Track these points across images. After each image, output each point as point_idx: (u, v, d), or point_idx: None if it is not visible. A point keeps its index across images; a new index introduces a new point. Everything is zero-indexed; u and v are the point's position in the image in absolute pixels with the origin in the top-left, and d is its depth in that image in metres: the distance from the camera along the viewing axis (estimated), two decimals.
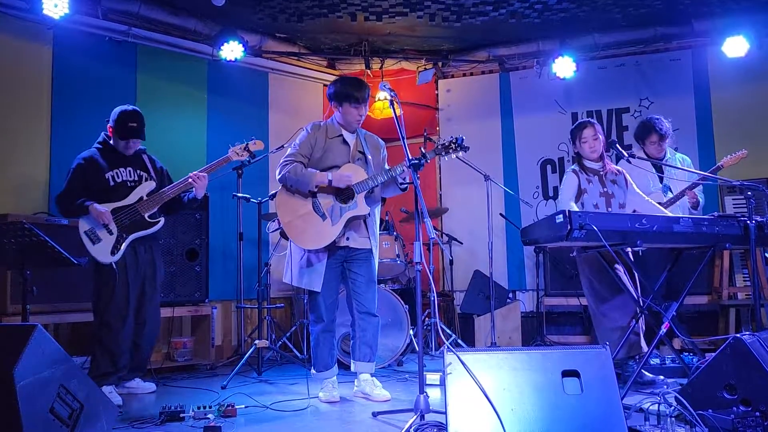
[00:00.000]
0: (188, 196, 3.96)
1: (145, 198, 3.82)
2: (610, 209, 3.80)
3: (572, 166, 3.97)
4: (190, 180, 3.83)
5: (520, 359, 2.52)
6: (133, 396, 3.87)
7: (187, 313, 5.05)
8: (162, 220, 3.87)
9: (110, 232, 3.69)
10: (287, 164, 3.55)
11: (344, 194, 3.53)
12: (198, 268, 5.00)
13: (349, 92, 3.60)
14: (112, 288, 3.71)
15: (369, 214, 3.61)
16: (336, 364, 3.74)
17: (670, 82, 6.04)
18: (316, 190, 3.51)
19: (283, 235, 5.18)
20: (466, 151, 3.47)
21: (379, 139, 3.85)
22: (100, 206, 3.67)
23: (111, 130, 3.88)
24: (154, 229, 3.82)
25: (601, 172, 3.89)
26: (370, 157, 3.68)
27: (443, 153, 3.45)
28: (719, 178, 4.14)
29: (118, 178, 3.83)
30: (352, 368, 3.71)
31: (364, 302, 3.64)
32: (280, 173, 3.56)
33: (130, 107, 3.90)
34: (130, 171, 3.88)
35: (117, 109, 3.88)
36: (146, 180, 3.91)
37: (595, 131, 3.89)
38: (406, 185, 3.55)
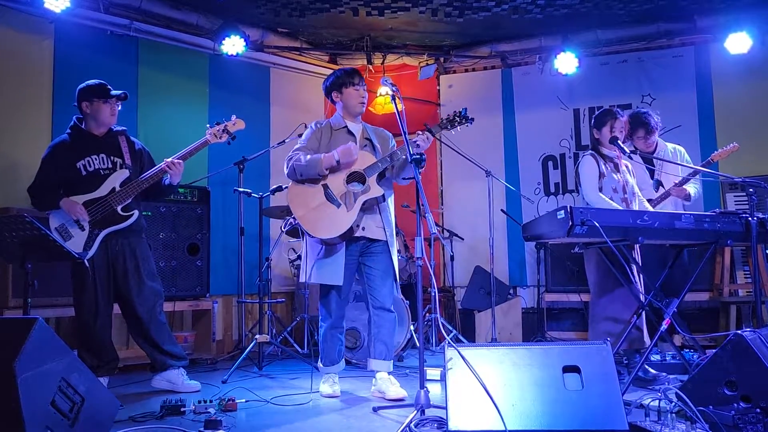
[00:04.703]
0: (165, 182, 3.77)
1: (117, 188, 3.65)
2: (625, 195, 3.83)
3: (589, 151, 3.97)
4: (164, 167, 3.68)
5: (521, 355, 2.52)
6: (138, 391, 3.86)
7: (188, 308, 5.06)
8: (136, 212, 3.70)
9: (81, 228, 3.57)
10: (293, 157, 3.52)
11: (356, 179, 3.48)
12: (199, 262, 5.00)
13: (345, 78, 3.65)
14: (82, 285, 3.63)
15: (384, 197, 3.52)
16: (342, 360, 3.73)
17: (673, 79, 6.03)
18: (327, 173, 3.45)
19: (292, 234, 5.21)
20: (471, 123, 3.48)
21: (387, 132, 3.82)
22: (72, 199, 3.56)
23: (86, 106, 3.68)
24: (128, 223, 3.67)
25: (616, 160, 3.92)
26: (378, 145, 3.65)
27: (448, 127, 3.46)
28: (720, 174, 4.14)
29: (90, 167, 3.66)
30: (369, 366, 3.64)
31: (379, 297, 3.58)
32: (287, 167, 3.52)
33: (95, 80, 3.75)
34: (103, 158, 3.70)
35: (83, 84, 3.70)
36: (120, 167, 3.73)
37: (624, 124, 3.94)
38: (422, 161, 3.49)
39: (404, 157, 3.41)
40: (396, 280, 3.65)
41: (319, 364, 3.71)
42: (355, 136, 3.63)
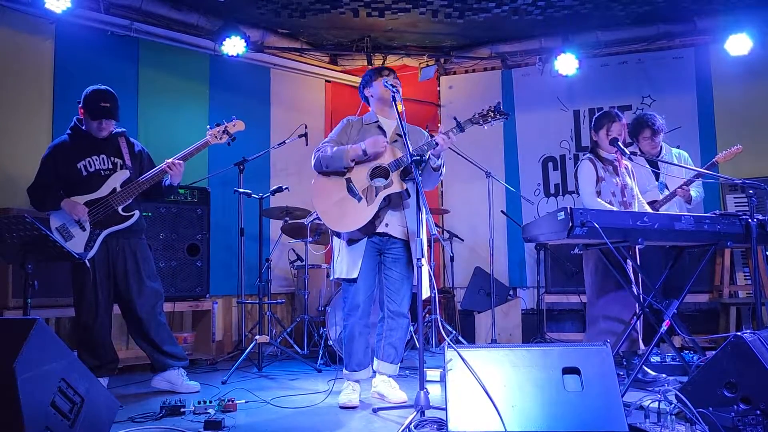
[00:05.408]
0: (165, 182, 3.78)
1: (118, 189, 3.66)
2: (624, 198, 3.82)
3: (587, 155, 3.95)
4: (165, 167, 3.68)
5: (521, 356, 2.52)
6: (138, 391, 3.86)
7: (188, 308, 5.05)
8: (137, 213, 3.71)
9: (83, 228, 3.57)
10: (320, 149, 3.47)
11: (379, 175, 3.41)
12: (199, 263, 5.00)
13: (374, 72, 3.61)
14: (82, 286, 3.62)
15: (408, 193, 3.42)
16: (370, 365, 3.52)
17: (673, 80, 6.03)
18: (352, 164, 3.37)
19: (292, 235, 5.20)
20: (506, 118, 3.38)
21: (422, 130, 3.73)
22: (74, 199, 3.56)
23: (82, 111, 3.69)
24: (129, 223, 3.67)
25: (615, 163, 3.91)
26: (409, 141, 3.48)
27: (480, 122, 3.36)
28: (720, 175, 4.14)
29: (91, 167, 3.67)
30: (375, 367, 3.56)
31: (397, 301, 3.47)
32: (314, 158, 3.47)
33: (103, 87, 3.71)
34: (103, 158, 3.71)
35: (88, 89, 3.70)
36: (121, 168, 3.73)
37: (623, 126, 3.90)
38: (439, 165, 3.36)
39: (429, 155, 3.33)
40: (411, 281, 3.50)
41: (345, 370, 3.51)
42: (385, 132, 3.55)
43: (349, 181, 3.42)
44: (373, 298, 3.53)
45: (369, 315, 3.50)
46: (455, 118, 3.35)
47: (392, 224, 3.45)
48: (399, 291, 3.49)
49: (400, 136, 3.51)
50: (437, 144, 3.28)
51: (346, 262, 3.45)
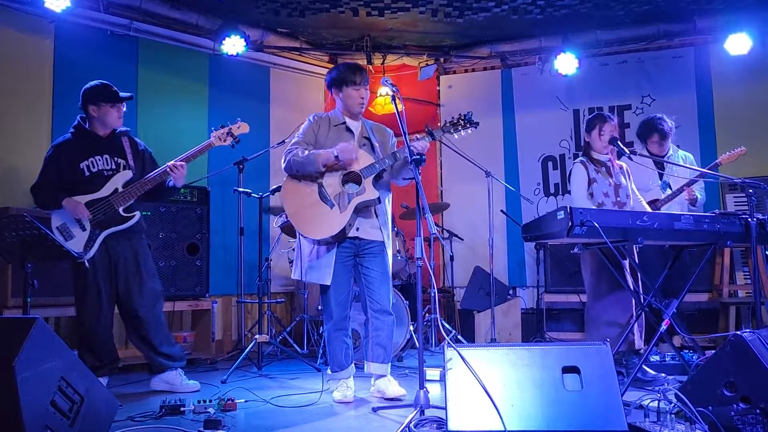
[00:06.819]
0: (169, 183, 3.77)
1: (120, 189, 3.65)
2: (618, 198, 3.83)
3: (580, 158, 3.97)
4: (167, 169, 3.67)
5: (521, 355, 2.52)
6: (137, 391, 3.86)
7: (188, 308, 5.05)
8: (137, 214, 3.70)
9: (83, 228, 3.56)
10: (291, 151, 3.45)
11: (351, 180, 3.40)
12: (199, 262, 5.00)
13: (347, 76, 3.52)
14: (84, 286, 3.62)
15: (379, 200, 3.45)
16: (352, 364, 3.61)
17: (673, 80, 6.03)
18: (323, 170, 3.37)
19: (287, 232, 5.21)
20: (476, 127, 3.38)
21: (387, 128, 3.73)
22: (75, 199, 3.55)
23: (93, 109, 3.67)
24: (129, 224, 3.66)
25: (608, 164, 3.92)
26: (376, 144, 3.55)
27: (451, 131, 3.38)
28: (720, 175, 4.14)
29: (94, 167, 3.66)
30: (366, 369, 3.59)
31: (378, 299, 3.49)
32: (284, 161, 3.45)
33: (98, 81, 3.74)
34: (106, 159, 3.70)
35: (89, 85, 3.70)
36: (124, 168, 3.73)
37: (614, 128, 3.91)
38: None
39: (404, 157, 3.33)
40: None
41: (328, 371, 3.60)
42: (353, 134, 3.55)
43: (321, 186, 3.41)
44: (348, 303, 3.57)
45: (344, 319, 3.55)
46: (427, 126, 3.35)
47: (363, 228, 3.47)
48: (379, 289, 3.50)
49: (367, 138, 3.56)
50: (412, 149, 3.26)
51: (317, 267, 3.45)
